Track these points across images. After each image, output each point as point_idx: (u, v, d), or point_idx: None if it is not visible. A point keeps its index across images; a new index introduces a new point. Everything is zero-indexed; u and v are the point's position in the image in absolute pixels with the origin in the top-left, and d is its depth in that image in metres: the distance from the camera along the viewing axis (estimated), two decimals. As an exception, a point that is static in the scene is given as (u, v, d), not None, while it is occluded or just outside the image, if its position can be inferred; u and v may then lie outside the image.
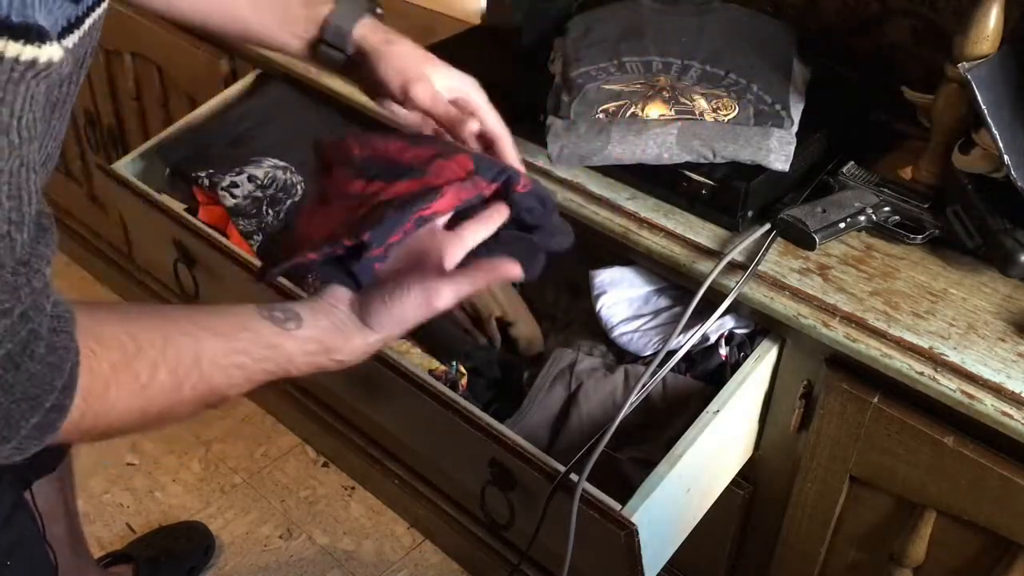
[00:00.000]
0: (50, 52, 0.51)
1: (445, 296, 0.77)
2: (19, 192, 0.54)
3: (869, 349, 0.93)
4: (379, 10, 0.94)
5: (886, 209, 1.06)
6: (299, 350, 0.75)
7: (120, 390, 0.63)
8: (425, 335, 1.10)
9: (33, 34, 0.50)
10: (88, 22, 0.63)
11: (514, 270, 0.80)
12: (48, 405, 0.59)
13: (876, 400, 0.96)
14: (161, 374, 0.65)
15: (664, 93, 1.08)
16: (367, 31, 0.90)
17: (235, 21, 0.93)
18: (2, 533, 1.01)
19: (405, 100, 0.89)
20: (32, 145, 0.54)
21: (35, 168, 0.55)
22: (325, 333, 0.77)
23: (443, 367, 1.08)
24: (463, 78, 0.92)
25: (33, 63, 0.51)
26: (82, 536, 1.46)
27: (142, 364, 0.64)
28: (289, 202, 1.26)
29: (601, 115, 1.08)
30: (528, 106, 1.17)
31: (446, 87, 0.90)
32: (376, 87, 0.91)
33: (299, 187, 1.27)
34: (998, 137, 0.95)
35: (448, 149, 0.85)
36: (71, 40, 0.60)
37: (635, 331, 1.10)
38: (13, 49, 0.49)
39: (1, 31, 0.48)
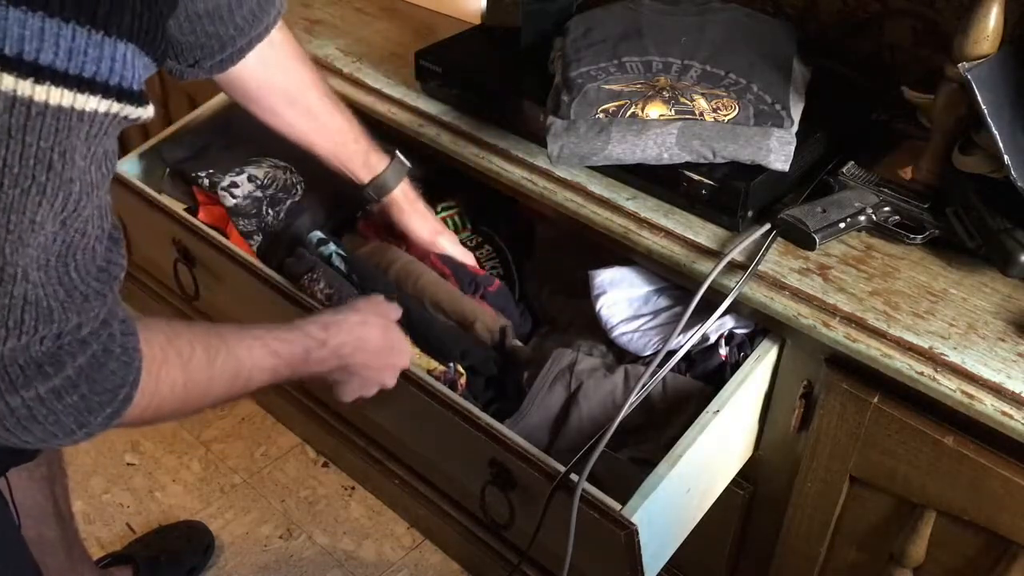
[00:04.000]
0: (144, 112, 0.67)
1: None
2: (104, 212, 0.68)
3: (869, 349, 0.93)
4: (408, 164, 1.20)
5: (886, 209, 1.07)
6: (314, 326, 0.92)
7: (168, 369, 0.75)
8: (421, 335, 1.10)
9: (141, 99, 0.66)
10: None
11: None
12: (121, 396, 0.70)
13: (876, 400, 0.96)
14: (197, 349, 0.78)
15: (664, 93, 1.08)
16: (399, 194, 1.18)
17: (303, 139, 1.16)
18: None
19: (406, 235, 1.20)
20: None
21: (108, 190, 0.69)
22: (326, 314, 0.97)
23: (442, 367, 1.08)
24: (464, 254, 1.22)
25: (129, 118, 0.66)
26: (78, 539, 1.44)
27: (182, 342, 0.77)
28: (289, 202, 1.26)
29: (601, 115, 1.08)
30: (528, 106, 1.17)
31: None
32: (392, 224, 1.21)
33: (299, 187, 1.27)
34: (998, 137, 0.95)
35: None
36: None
37: (635, 331, 1.10)
38: (127, 110, 0.65)
39: (121, 96, 0.64)
